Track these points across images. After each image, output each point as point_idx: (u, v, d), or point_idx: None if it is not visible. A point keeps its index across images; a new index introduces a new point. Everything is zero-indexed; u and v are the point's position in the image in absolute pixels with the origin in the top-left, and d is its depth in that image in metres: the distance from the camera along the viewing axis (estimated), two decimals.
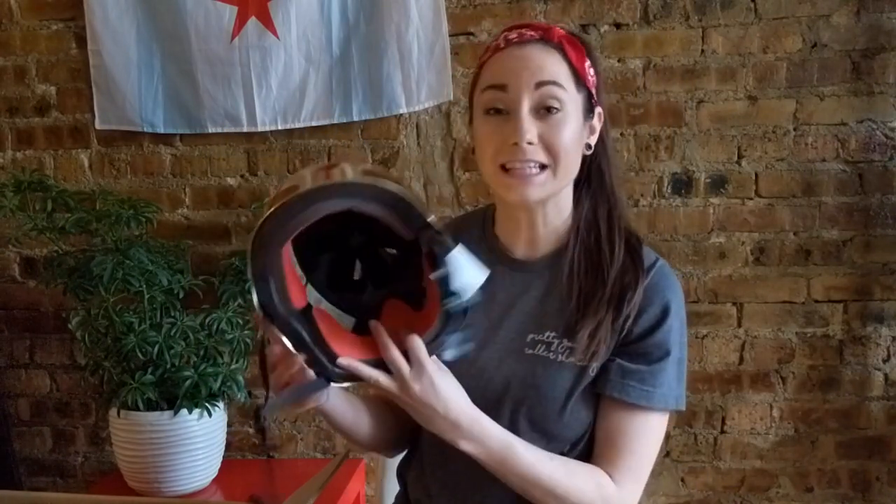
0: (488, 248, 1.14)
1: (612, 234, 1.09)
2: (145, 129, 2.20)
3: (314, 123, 2.15)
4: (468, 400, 0.96)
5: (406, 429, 1.17)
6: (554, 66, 1.03)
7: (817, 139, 2.01)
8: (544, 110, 1.02)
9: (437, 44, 2.07)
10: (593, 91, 1.07)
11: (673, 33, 2.02)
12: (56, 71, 2.24)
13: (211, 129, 2.18)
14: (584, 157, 1.10)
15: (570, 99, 1.03)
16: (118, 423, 1.92)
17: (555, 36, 1.05)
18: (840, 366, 2.06)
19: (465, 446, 0.96)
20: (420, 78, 2.09)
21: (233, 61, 2.13)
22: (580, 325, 1.04)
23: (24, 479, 2.35)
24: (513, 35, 1.06)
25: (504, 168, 1.03)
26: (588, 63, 1.07)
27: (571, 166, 1.06)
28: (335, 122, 2.14)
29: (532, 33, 1.05)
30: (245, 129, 2.17)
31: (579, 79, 1.05)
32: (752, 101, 2.01)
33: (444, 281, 0.87)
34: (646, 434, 1.05)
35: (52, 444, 2.37)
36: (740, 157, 2.03)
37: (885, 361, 2.04)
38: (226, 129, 2.17)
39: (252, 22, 2.11)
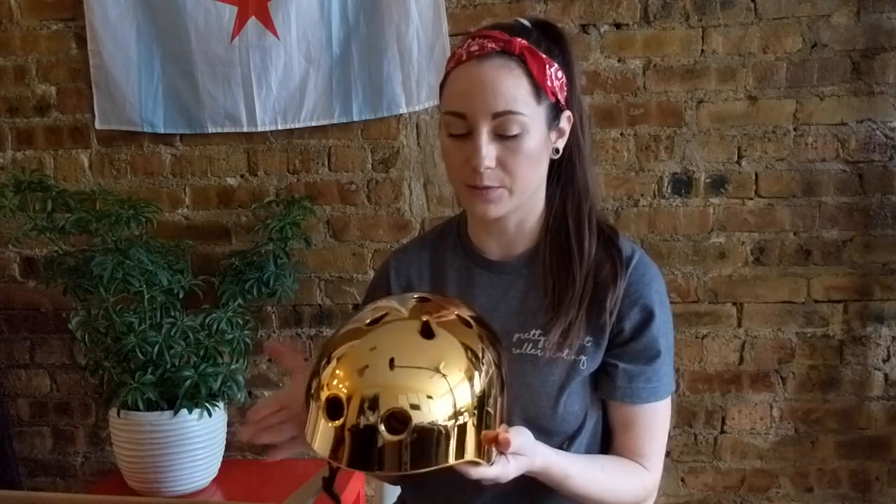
0: (465, 254, 1.15)
1: (581, 230, 1.08)
2: (145, 129, 2.20)
3: (314, 123, 2.15)
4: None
5: None
6: (511, 88, 1.00)
7: (817, 139, 2.01)
8: (504, 133, 1.01)
9: (437, 44, 2.07)
10: (560, 97, 1.05)
11: (673, 33, 2.02)
12: (56, 71, 2.24)
13: (211, 129, 2.18)
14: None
15: (531, 118, 1.01)
16: (118, 423, 1.92)
17: (516, 47, 1.02)
18: (840, 366, 2.06)
19: (528, 473, 0.96)
20: (420, 78, 2.09)
21: (233, 61, 2.13)
22: (552, 323, 1.05)
23: (24, 479, 2.35)
24: (474, 47, 1.03)
25: (467, 186, 1.04)
26: (556, 68, 1.04)
27: (532, 183, 1.06)
28: (335, 122, 2.14)
29: (493, 45, 1.02)
30: (245, 129, 2.17)
31: (541, 92, 1.02)
32: (752, 101, 2.01)
33: None
34: (659, 419, 1.10)
35: (52, 444, 2.37)
36: (740, 157, 2.03)
37: (885, 361, 2.04)
38: (226, 129, 2.18)
39: (252, 22, 2.11)
